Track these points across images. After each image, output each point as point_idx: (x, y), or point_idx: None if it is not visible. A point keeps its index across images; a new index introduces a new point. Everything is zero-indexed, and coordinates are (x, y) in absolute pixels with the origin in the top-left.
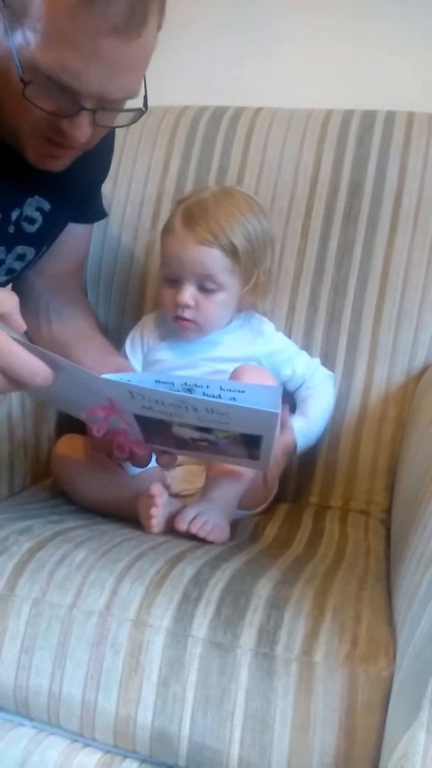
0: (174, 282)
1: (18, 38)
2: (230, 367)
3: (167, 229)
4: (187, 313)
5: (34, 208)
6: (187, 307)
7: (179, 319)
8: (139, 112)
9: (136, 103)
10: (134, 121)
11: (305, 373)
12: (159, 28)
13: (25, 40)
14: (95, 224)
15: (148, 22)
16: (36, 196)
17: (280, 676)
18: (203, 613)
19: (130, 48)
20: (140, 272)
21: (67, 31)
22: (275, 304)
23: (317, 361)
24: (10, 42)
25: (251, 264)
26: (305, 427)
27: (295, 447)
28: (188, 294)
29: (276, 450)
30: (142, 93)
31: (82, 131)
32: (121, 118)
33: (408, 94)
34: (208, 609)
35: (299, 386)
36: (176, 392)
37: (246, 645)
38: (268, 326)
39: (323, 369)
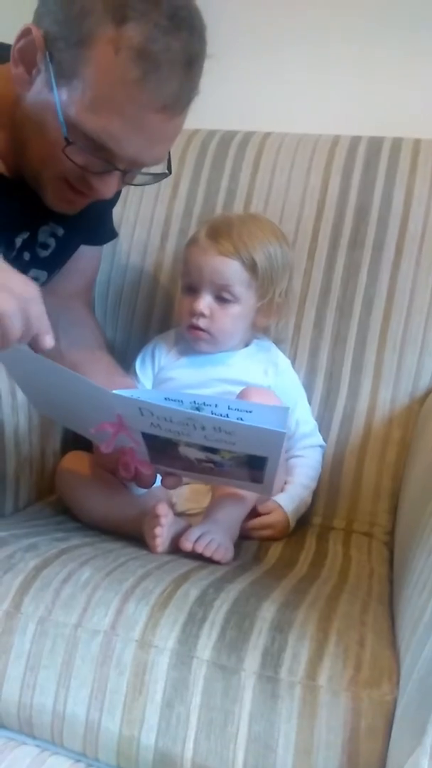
0: (192, 291)
1: (63, 95)
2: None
3: (192, 241)
4: (202, 322)
5: (48, 234)
6: (202, 315)
7: (193, 328)
8: (164, 175)
9: None
10: (157, 181)
11: (302, 427)
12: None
13: (70, 99)
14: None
15: (192, 100)
16: (50, 223)
17: (283, 699)
18: (208, 635)
19: (173, 123)
20: (148, 291)
21: (117, 100)
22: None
23: (316, 426)
24: (54, 96)
25: (268, 281)
26: (292, 506)
27: (288, 524)
28: (204, 303)
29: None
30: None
31: (110, 189)
32: (145, 177)
33: (415, 122)
34: (212, 631)
35: (291, 441)
36: (185, 410)
37: (250, 668)
38: (284, 361)
39: (318, 436)
